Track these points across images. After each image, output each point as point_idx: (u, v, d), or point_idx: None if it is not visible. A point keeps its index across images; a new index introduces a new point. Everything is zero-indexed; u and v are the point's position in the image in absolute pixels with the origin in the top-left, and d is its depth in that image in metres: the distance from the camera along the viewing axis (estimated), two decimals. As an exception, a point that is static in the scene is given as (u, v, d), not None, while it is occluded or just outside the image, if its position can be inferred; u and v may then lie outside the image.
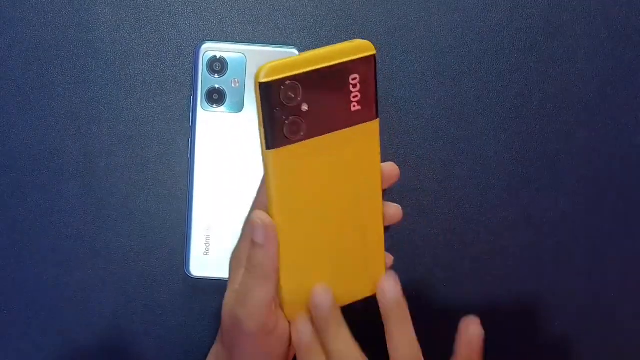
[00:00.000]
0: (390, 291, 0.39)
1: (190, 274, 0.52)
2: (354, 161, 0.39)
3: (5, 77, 0.53)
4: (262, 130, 0.36)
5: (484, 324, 0.57)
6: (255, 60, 0.51)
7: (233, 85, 0.52)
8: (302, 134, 0.37)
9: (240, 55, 0.51)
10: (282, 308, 0.40)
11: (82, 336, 0.54)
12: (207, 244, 0.52)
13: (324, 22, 0.53)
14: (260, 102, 0.36)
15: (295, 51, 0.52)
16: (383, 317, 0.39)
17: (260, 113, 0.36)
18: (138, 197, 0.53)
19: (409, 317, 0.39)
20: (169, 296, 0.54)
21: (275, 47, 0.52)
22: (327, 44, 0.52)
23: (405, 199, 0.53)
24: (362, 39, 0.37)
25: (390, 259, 0.42)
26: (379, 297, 0.39)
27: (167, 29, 0.53)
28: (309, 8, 0.53)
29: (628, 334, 0.55)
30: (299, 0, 0.53)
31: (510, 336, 0.55)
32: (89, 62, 0.53)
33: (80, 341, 0.54)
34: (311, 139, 0.37)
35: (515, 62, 0.54)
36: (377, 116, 0.38)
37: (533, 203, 0.54)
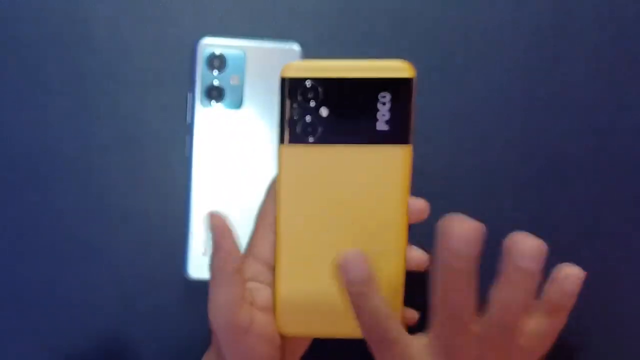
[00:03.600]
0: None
1: (189, 275, 0.52)
2: (377, 183, 0.38)
3: (1, 75, 0.52)
4: (279, 123, 0.38)
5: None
6: (255, 56, 0.51)
7: (232, 82, 0.51)
8: (317, 137, 0.37)
9: (240, 51, 0.51)
10: (275, 317, 0.40)
11: (79, 338, 0.54)
12: (206, 244, 0.52)
13: (325, 17, 0.53)
14: (279, 95, 0.37)
15: (296, 47, 0.51)
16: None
17: (279, 106, 0.37)
18: (136, 196, 0.53)
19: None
20: (167, 297, 0.54)
21: (275, 43, 0.51)
22: (328, 39, 0.53)
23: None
24: (400, 58, 0.38)
25: (414, 314, 0.41)
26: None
27: (165, 24, 0.52)
28: (310, 3, 0.53)
29: (628, 334, 0.55)
30: (300, -5, 0.53)
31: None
32: (86, 58, 0.52)
33: (78, 343, 0.54)
34: (327, 145, 0.38)
35: (520, 61, 0.53)
36: (408, 142, 0.38)
37: (537, 203, 0.54)
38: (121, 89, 0.53)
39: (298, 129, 0.38)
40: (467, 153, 0.54)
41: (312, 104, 0.37)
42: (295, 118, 0.37)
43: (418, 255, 0.40)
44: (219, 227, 0.38)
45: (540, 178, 0.54)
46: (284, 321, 0.40)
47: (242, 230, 0.52)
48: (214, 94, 0.51)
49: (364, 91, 0.37)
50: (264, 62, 0.51)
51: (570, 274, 0.38)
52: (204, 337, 0.54)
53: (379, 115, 0.37)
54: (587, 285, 0.55)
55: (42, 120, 0.53)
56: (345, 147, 0.38)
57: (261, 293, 0.40)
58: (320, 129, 0.38)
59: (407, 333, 0.37)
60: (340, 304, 0.40)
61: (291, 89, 0.37)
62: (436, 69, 0.53)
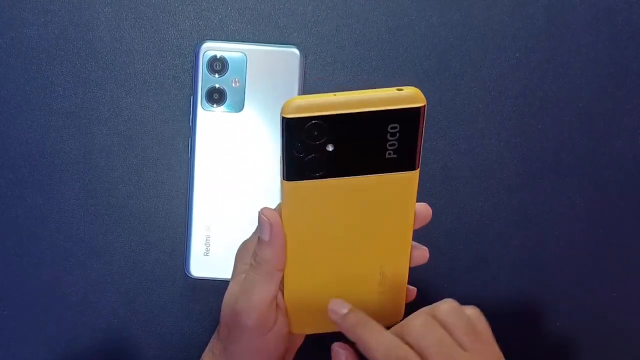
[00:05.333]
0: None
1: (190, 274, 0.52)
2: (383, 206, 0.37)
3: (5, 77, 0.52)
4: (282, 160, 0.35)
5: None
6: (255, 59, 0.51)
7: (233, 85, 0.51)
8: (323, 172, 0.35)
9: (241, 54, 0.51)
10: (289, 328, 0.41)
11: (81, 336, 0.54)
12: (207, 244, 0.52)
13: (325, 21, 0.53)
14: (282, 135, 0.34)
15: (296, 50, 0.51)
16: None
17: (281, 144, 0.35)
18: (138, 197, 0.53)
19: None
20: (168, 296, 0.54)
21: (275, 46, 0.52)
22: (327, 43, 0.53)
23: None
24: (411, 84, 0.35)
25: (413, 291, 0.42)
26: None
27: (167, 28, 0.52)
28: (309, 7, 0.53)
29: (628, 334, 0.55)
30: (300, -1, 0.53)
31: (510, 336, 0.55)
32: (89, 61, 0.52)
33: (80, 341, 0.54)
34: (333, 178, 0.35)
35: (516, 62, 0.53)
36: (417, 167, 0.36)
37: (534, 203, 0.54)
38: (123, 91, 0.53)
39: (303, 166, 0.35)
40: (463, 154, 0.54)
41: (317, 142, 0.34)
42: (299, 156, 0.35)
43: (418, 253, 0.41)
44: (274, 225, 0.37)
45: (536, 178, 0.54)
46: (294, 322, 0.41)
47: (242, 231, 0.52)
48: (215, 96, 0.51)
49: (371, 124, 0.34)
50: (265, 65, 0.51)
51: None
52: (205, 334, 0.54)
53: (388, 145, 0.35)
54: (582, 284, 0.55)
55: (45, 122, 0.53)
56: (352, 178, 0.36)
57: (279, 295, 0.41)
58: (325, 165, 0.35)
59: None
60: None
61: (294, 128, 0.34)
62: (433, 71, 0.53)
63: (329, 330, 0.41)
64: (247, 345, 0.40)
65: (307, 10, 0.53)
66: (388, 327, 0.40)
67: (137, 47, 0.52)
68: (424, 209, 0.40)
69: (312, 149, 0.34)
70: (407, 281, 0.40)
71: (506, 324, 0.55)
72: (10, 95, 0.53)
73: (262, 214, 0.38)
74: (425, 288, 0.54)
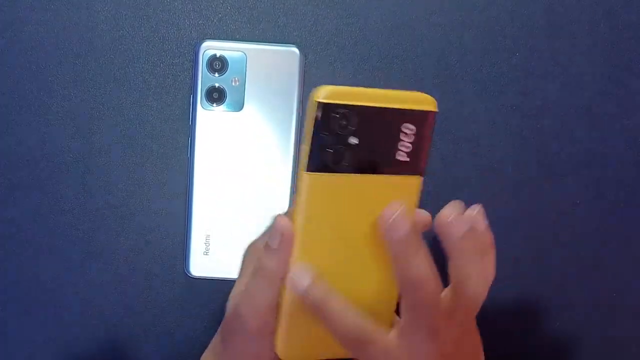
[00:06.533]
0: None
1: (190, 274, 0.52)
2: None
3: (4, 76, 0.52)
4: (307, 150, 0.35)
5: (484, 324, 0.57)
6: (255, 58, 0.51)
7: (233, 84, 0.51)
8: (343, 166, 0.36)
9: (241, 53, 0.51)
10: (277, 344, 0.39)
11: (81, 336, 0.54)
12: (207, 243, 0.52)
13: (325, 20, 0.53)
14: (312, 121, 0.35)
15: (296, 50, 0.51)
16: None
17: (309, 133, 0.35)
18: (138, 197, 0.53)
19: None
20: (168, 296, 0.54)
21: (275, 45, 0.52)
22: (327, 43, 0.53)
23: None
24: (419, 93, 0.36)
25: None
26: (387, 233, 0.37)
27: (167, 27, 0.53)
28: (309, 6, 0.53)
29: (628, 334, 0.55)
30: (300, -1, 0.53)
31: (510, 336, 0.55)
32: (89, 60, 0.53)
33: (80, 341, 0.54)
34: (350, 174, 0.36)
35: (516, 62, 0.53)
36: (422, 173, 0.37)
37: (533, 203, 0.54)
38: (123, 91, 0.53)
39: (326, 158, 0.35)
40: (463, 154, 0.54)
41: (343, 131, 0.35)
42: (324, 146, 0.35)
43: None
44: (286, 233, 0.37)
45: (535, 178, 0.54)
46: (287, 349, 0.39)
47: (242, 230, 0.52)
48: (215, 95, 0.51)
49: (392, 122, 0.36)
50: (265, 64, 0.51)
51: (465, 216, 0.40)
52: (205, 334, 0.54)
53: (400, 145, 0.36)
54: (582, 284, 0.55)
55: (45, 122, 0.53)
56: (364, 177, 0.36)
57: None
58: (346, 159, 0.36)
59: (382, 329, 0.37)
60: None
61: (326, 114, 0.35)
62: (433, 71, 0.53)
63: (331, 357, 0.40)
64: (246, 348, 0.39)
65: (307, 10, 0.53)
66: None
67: (136, 46, 0.52)
68: (426, 218, 0.40)
69: (338, 139, 0.35)
70: (396, 295, 0.39)
71: (506, 323, 0.55)
72: (9, 95, 0.53)
73: (277, 221, 0.37)
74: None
